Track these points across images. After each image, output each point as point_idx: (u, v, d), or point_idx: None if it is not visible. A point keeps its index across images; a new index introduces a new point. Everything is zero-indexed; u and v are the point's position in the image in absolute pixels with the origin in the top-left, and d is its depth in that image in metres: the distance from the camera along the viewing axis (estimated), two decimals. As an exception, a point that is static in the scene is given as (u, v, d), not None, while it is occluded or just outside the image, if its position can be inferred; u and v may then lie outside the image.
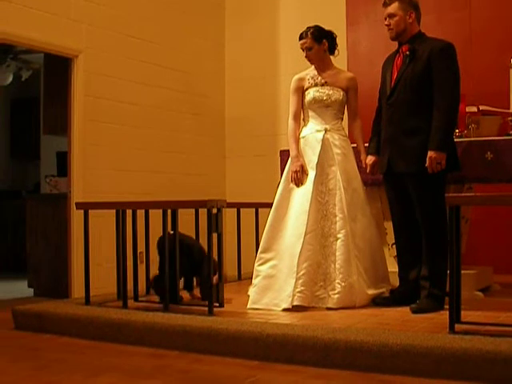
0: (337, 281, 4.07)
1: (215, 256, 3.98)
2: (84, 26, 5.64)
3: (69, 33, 5.51)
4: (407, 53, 3.96)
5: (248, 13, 7.12)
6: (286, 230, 4.21)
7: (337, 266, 4.09)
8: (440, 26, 5.78)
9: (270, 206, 4.39)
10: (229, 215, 5.96)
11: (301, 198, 4.21)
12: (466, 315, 3.37)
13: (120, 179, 5.86)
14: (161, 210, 4.15)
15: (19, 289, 6.13)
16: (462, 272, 3.28)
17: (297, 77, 4.48)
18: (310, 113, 4.39)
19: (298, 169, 4.25)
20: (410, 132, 3.93)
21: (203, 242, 4.14)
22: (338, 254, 4.11)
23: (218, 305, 4.00)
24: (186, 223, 4.45)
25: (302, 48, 4.39)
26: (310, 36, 4.34)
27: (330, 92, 4.35)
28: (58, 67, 5.79)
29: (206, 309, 3.88)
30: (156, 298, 4.27)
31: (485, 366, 2.83)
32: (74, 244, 5.45)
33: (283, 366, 3.20)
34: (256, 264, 4.28)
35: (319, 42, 4.36)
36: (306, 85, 4.41)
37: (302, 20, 5.47)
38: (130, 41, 6.05)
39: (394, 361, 3.01)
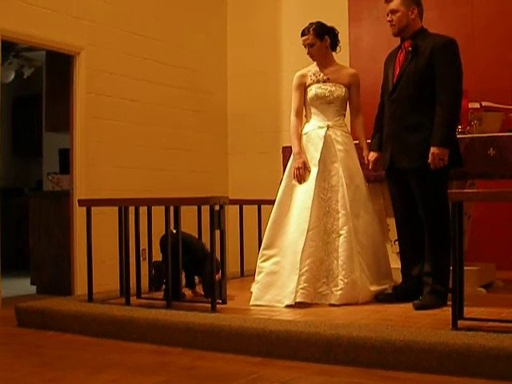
0: (339, 277, 4.07)
1: (218, 253, 3.98)
2: (86, 23, 5.64)
3: (70, 30, 5.51)
4: (409, 49, 3.95)
5: (250, 9, 7.11)
6: (288, 226, 4.21)
7: (339, 262, 4.09)
8: (442, 21, 5.77)
9: (272, 202, 4.39)
10: (231, 212, 5.97)
11: (303, 195, 4.21)
12: (468, 311, 3.36)
13: (122, 176, 5.86)
14: (163, 207, 4.15)
15: (22, 286, 6.13)
16: (465, 268, 3.27)
17: (299, 73, 4.48)
18: (313, 109, 4.39)
19: (300, 165, 4.25)
20: (413, 128, 3.92)
21: (206, 238, 4.15)
22: (340, 250, 4.10)
23: (220, 301, 4.00)
24: (188, 220, 4.45)
25: (304, 44, 4.38)
26: (312, 32, 4.33)
27: (333, 88, 4.35)
28: (60, 64, 5.79)
29: (209, 305, 3.88)
30: (158, 295, 4.26)
31: (488, 362, 2.83)
32: (76, 241, 5.47)
33: (286, 362, 3.20)
34: (259, 261, 4.28)
35: (321, 38, 4.35)
36: (308, 81, 4.40)
37: (304, 16, 5.47)
38: (131, 38, 6.05)
39: (396, 357, 3.01)
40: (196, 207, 4.79)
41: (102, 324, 3.94)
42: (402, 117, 3.96)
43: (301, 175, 4.25)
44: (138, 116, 6.07)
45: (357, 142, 4.44)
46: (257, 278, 4.24)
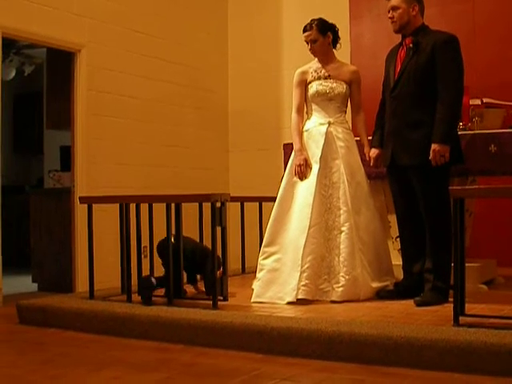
0: (341, 274, 4.06)
1: (219, 250, 3.98)
2: (86, 20, 5.64)
3: (71, 27, 5.51)
4: (411, 45, 3.95)
5: (251, 7, 7.11)
6: (289, 223, 4.21)
7: (341, 259, 4.09)
8: (443, 18, 5.76)
9: (273, 199, 4.39)
10: (232, 209, 5.95)
11: (304, 192, 4.20)
12: (470, 308, 3.36)
13: (123, 173, 5.86)
14: (164, 204, 4.15)
15: (23, 284, 6.14)
16: (466, 265, 3.27)
17: (300, 70, 4.47)
18: (313, 106, 4.38)
19: (301, 162, 4.25)
20: (414, 125, 3.92)
21: (207, 235, 4.14)
22: (342, 247, 4.10)
23: (222, 298, 4.00)
24: (189, 217, 4.45)
25: (306, 41, 4.36)
26: (315, 28, 4.32)
27: (333, 85, 4.34)
28: (61, 62, 5.79)
29: (210, 302, 3.88)
30: (159, 292, 4.26)
31: (489, 358, 2.83)
32: (77, 238, 5.47)
33: (287, 359, 3.20)
34: (260, 258, 4.28)
35: (324, 34, 4.34)
36: (309, 78, 4.40)
37: (305, 14, 5.45)
38: (132, 35, 6.05)
39: (398, 353, 3.01)
40: (197, 204, 4.79)
41: (103, 321, 3.94)
42: (403, 113, 3.96)
43: (302, 172, 4.25)
44: (138, 113, 6.07)
45: (358, 138, 4.44)
46: (258, 275, 4.24)
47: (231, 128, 7.14)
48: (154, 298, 4.17)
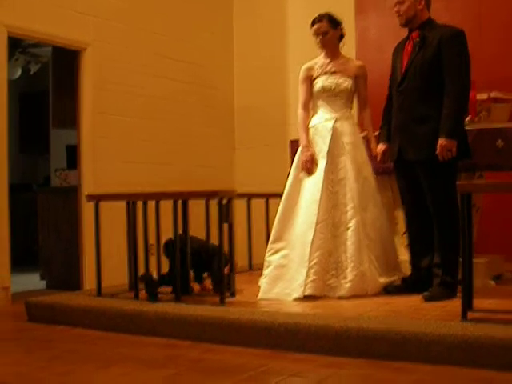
0: (348, 269, 4.06)
1: (226, 246, 3.98)
2: (91, 19, 5.64)
3: (76, 26, 5.51)
4: (417, 39, 3.94)
5: (256, 3, 7.10)
6: (296, 219, 4.21)
7: (348, 254, 4.08)
8: (449, 12, 5.72)
9: (280, 196, 4.38)
10: (239, 206, 5.95)
11: (311, 188, 4.20)
12: (478, 303, 3.36)
13: (129, 171, 5.87)
14: (171, 202, 4.15)
15: (31, 281, 6.16)
16: (474, 260, 3.27)
17: (305, 66, 4.46)
18: (319, 102, 4.37)
19: (308, 158, 4.24)
20: (421, 119, 3.91)
21: (214, 232, 4.14)
22: (348, 243, 4.09)
23: (229, 295, 4.00)
24: (196, 214, 4.45)
25: (316, 33, 4.33)
26: (325, 21, 4.30)
27: (339, 81, 4.33)
28: (67, 60, 5.79)
29: (218, 299, 3.88)
30: (167, 289, 4.27)
31: (497, 353, 2.82)
32: (85, 236, 5.49)
33: (295, 354, 3.20)
34: (267, 254, 4.28)
35: (335, 27, 4.33)
36: (315, 74, 4.39)
37: (310, 9, 5.43)
38: (137, 33, 6.05)
39: (406, 348, 3.00)
40: (204, 201, 4.79)
41: (111, 318, 3.95)
42: (410, 108, 3.95)
43: (309, 168, 4.24)
44: (144, 111, 6.08)
45: (364, 134, 4.43)
46: (265, 271, 4.24)
47: (237, 125, 7.14)
48: (161, 295, 4.18)
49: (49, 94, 7.06)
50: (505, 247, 5.40)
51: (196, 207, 4.47)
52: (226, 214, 3.90)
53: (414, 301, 3.83)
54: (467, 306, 3.21)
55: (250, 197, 5.71)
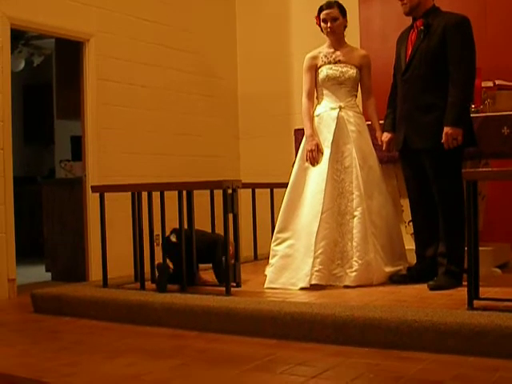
0: (354, 258, 4.06)
1: (231, 236, 3.98)
2: (94, 10, 5.62)
3: (79, 17, 5.50)
4: (422, 28, 3.91)
5: (259, -8, 7.06)
6: (302, 209, 4.20)
7: (354, 243, 4.08)
8: (454, -1, 5.69)
9: (285, 185, 4.38)
10: (244, 196, 5.96)
11: (316, 177, 4.19)
12: (484, 291, 3.35)
13: (134, 162, 5.87)
14: (176, 192, 4.15)
15: (37, 273, 6.18)
16: (480, 249, 3.26)
17: (309, 55, 4.44)
18: (324, 91, 4.36)
19: (313, 148, 4.23)
20: (426, 108, 3.89)
21: (219, 222, 4.14)
22: (354, 231, 4.09)
23: (235, 285, 4.01)
24: (201, 204, 4.45)
25: (326, 18, 4.29)
26: (336, 7, 4.29)
27: (344, 69, 4.32)
28: (70, 52, 5.79)
29: (224, 289, 3.89)
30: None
31: (503, 341, 2.82)
32: (90, 227, 5.49)
33: (301, 343, 3.20)
34: (273, 244, 4.28)
35: (344, 15, 4.33)
36: (320, 63, 4.37)
37: (314, -2, 5.41)
38: (140, 23, 6.03)
39: (412, 337, 3.00)
40: (209, 191, 4.79)
41: (117, 309, 3.96)
42: (415, 97, 3.93)
43: (314, 157, 4.23)
44: (148, 102, 6.07)
45: (369, 123, 4.41)
46: (271, 261, 4.24)
47: (241, 115, 7.12)
48: (168, 286, 4.18)
49: (52, 86, 7.06)
50: (511, 235, 5.39)
51: (201, 197, 4.47)
52: (230, 204, 3.90)
53: (420, 290, 3.83)
54: (473, 294, 3.20)
55: (254, 187, 5.70)
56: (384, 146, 4.24)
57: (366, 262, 4.05)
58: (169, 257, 4.30)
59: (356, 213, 4.12)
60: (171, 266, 4.29)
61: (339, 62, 4.34)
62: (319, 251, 4.03)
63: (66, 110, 6.35)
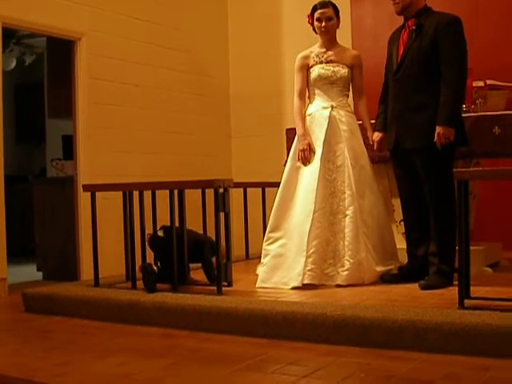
0: (345, 258, 4.06)
1: (222, 236, 3.97)
2: (86, 9, 5.61)
3: (71, 15, 5.48)
4: (413, 27, 3.91)
5: (251, -9, 7.05)
6: (294, 208, 4.20)
7: (345, 243, 4.08)
8: None
9: (276, 185, 4.38)
10: (235, 195, 5.96)
11: (308, 177, 4.19)
12: (475, 291, 3.36)
13: (126, 161, 5.86)
14: (167, 191, 4.14)
15: (28, 272, 6.16)
16: (471, 248, 3.27)
17: (301, 55, 4.45)
18: (316, 90, 4.36)
19: (305, 147, 4.24)
20: (417, 108, 3.90)
21: (210, 221, 4.14)
22: (346, 230, 4.10)
23: (226, 284, 4.00)
24: (192, 203, 4.44)
25: (320, 17, 4.30)
26: (331, 7, 4.31)
27: (335, 69, 4.32)
28: (61, 50, 5.77)
29: (215, 288, 3.88)
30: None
31: (494, 340, 2.82)
32: (81, 226, 5.48)
33: (293, 343, 3.20)
34: (265, 243, 4.28)
35: (337, 15, 4.34)
36: (311, 62, 4.38)
37: (306, -3, 5.42)
38: (132, 22, 6.02)
39: (403, 337, 3.01)
40: (200, 190, 4.78)
41: (108, 308, 3.95)
42: (407, 97, 3.94)
43: (306, 157, 4.23)
44: (140, 101, 6.06)
45: (360, 122, 4.42)
46: (263, 260, 4.24)
47: (233, 114, 7.12)
48: (158, 285, 4.17)
49: (44, 85, 7.03)
50: (502, 234, 5.41)
51: (192, 196, 4.46)
52: (222, 203, 3.90)
53: (411, 289, 3.84)
54: (464, 293, 3.21)
55: (246, 186, 5.70)
56: (375, 145, 4.25)
57: (358, 261, 4.06)
58: (155, 252, 4.27)
59: (348, 212, 4.13)
60: (158, 264, 4.28)
61: (331, 61, 4.34)
62: (311, 250, 4.04)
63: (58, 108, 6.33)
